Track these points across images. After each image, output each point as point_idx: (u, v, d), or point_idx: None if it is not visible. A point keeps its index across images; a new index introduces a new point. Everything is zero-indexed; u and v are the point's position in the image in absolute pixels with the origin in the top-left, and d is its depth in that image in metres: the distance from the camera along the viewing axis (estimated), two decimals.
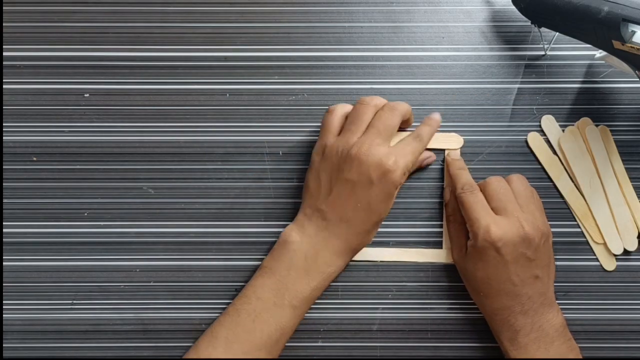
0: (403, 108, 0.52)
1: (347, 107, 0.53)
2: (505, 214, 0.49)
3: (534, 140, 0.55)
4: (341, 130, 0.52)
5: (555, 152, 0.55)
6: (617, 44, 0.47)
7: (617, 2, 0.45)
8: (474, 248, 0.49)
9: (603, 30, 0.47)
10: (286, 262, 0.50)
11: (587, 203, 0.54)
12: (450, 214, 0.54)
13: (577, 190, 0.55)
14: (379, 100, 0.52)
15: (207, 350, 0.48)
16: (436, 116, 0.54)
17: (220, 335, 0.49)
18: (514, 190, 0.51)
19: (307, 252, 0.50)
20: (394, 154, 0.49)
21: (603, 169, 0.54)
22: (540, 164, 0.55)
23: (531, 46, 0.56)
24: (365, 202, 0.49)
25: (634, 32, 0.45)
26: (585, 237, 0.55)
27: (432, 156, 0.55)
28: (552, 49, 0.56)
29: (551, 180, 0.55)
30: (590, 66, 0.56)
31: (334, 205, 0.50)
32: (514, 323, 0.49)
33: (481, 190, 0.51)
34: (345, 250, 0.51)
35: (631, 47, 0.46)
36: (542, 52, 0.56)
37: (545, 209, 0.53)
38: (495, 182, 0.51)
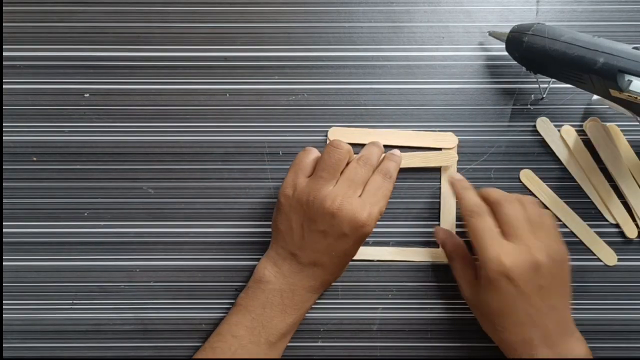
0: (375, 161, 0.51)
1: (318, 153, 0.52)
2: (516, 240, 0.47)
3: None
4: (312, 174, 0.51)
5: (554, 153, 0.55)
6: (614, 92, 0.46)
7: (612, 53, 0.44)
8: (486, 279, 0.47)
9: (599, 80, 0.46)
10: (261, 300, 0.49)
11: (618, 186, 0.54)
12: (451, 251, 0.53)
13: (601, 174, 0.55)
14: (349, 146, 0.50)
15: None
16: (397, 152, 0.54)
17: None
18: (527, 213, 0.48)
19: (283, 291, 0.49)
20: (367, 204, 0.48)
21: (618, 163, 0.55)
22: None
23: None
24: (339, 251, 0.49)
25: (630, 82, 0.44)
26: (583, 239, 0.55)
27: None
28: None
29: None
30: None
31: (308, 252, 0.49)
32: (535, 355, 0.46)
33: (492, 209, 0.49)
34: (320, 287, 0.51)
35: (629, 95, 0.45)
36: (540, 96, 0.55)
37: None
38: (507, 205, 0.48)
